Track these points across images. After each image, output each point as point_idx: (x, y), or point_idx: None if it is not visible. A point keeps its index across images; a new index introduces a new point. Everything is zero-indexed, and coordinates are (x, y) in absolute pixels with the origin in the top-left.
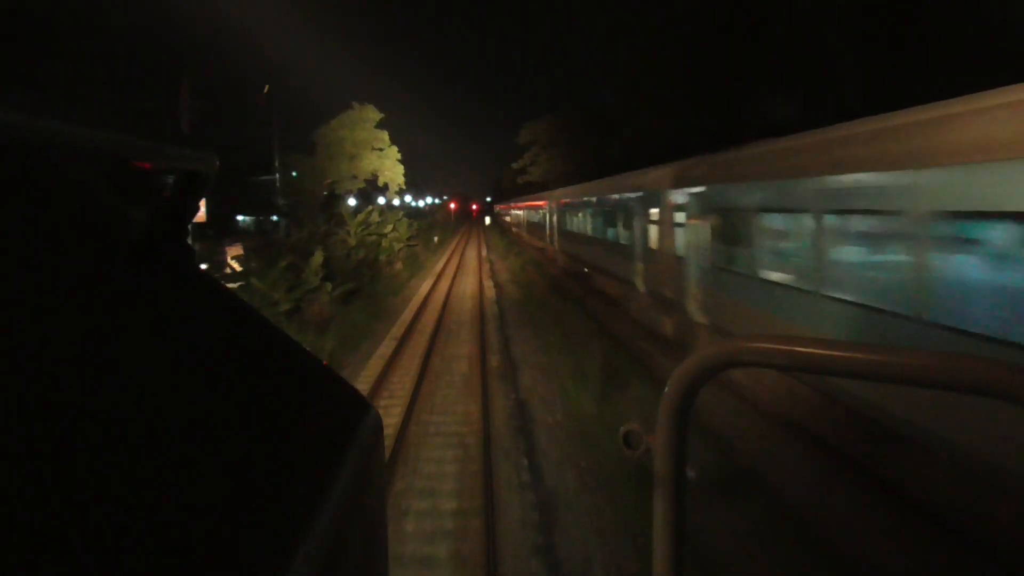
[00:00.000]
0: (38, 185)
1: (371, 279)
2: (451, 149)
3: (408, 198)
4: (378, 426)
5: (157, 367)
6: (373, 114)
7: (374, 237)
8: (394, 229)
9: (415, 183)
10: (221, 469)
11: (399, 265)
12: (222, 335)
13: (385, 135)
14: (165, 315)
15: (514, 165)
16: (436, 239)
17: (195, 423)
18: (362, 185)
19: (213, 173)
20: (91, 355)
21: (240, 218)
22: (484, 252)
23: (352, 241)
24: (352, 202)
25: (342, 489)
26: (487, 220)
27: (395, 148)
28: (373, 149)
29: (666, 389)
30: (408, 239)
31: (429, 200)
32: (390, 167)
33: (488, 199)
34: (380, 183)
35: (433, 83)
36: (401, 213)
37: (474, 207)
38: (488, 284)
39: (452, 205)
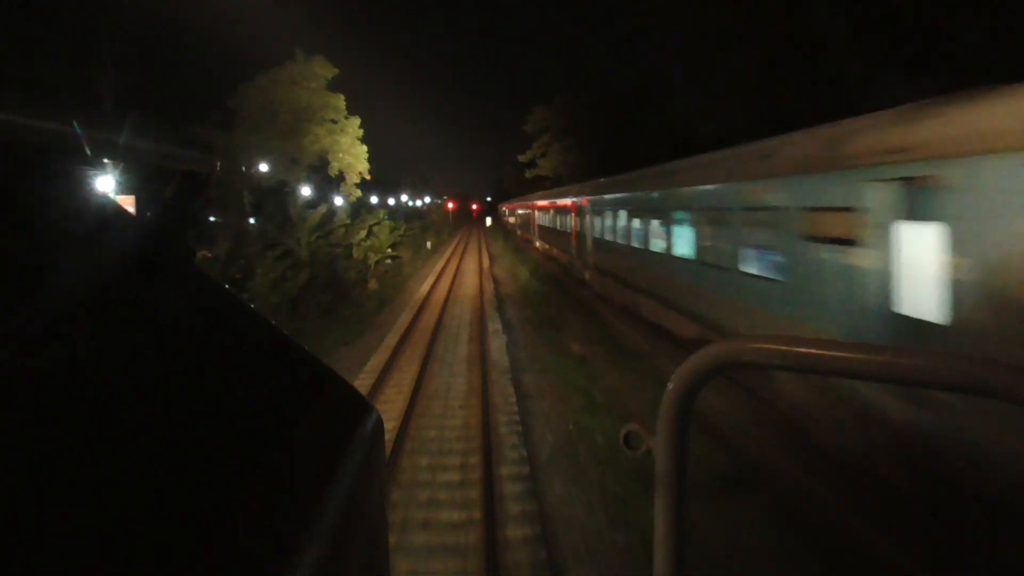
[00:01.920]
0: (41, 186)
1: (327, 310)
2: (452, 149)
3: (404, 197)
4: (379, 427)
5: (158, 367)
6: (323, 69)
7: (340, 248)
8: (370, 235)
9: (412, 183)
10: (223, 469)
11: (373, 284)
12: (224, 335)
13: (340, 101)
14: (166, 315)
15: (521, 158)
16: (429, 244)
17: (197, 423)
18: (304, 172)
19: (213, 175)
20: (92, 355)
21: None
22: (486, 263)
23: (304, 253)
24: (339, 201)
25: (343, 489)
26: (488, 221)
27: (356, 121)
28: (323, 121)
29: (667, 390)
30: (389, 247)
31: (428, 200)
32: (347, 147)
33: (488, 199)
34: (332, 171)
35: (432, 82)
36: (383, 214)
37: (474, 207)
38: (494, 331)
39: (450, 205)
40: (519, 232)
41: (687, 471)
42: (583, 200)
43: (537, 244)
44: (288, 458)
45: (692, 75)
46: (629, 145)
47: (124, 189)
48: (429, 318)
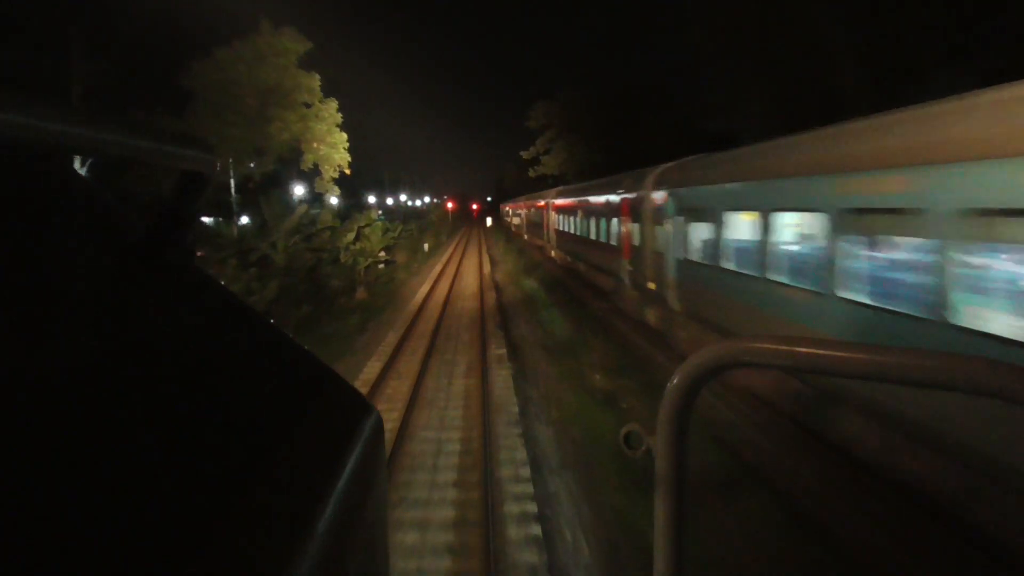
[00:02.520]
0: (42, 186)
1: (306, 325)
2: (452, 148)
3: (403, 197)
4: (379, 428)
5: (158, 367)
6: (293, 44)
7: (325, 253)
8: (359, 237)
9: (411, 182)
10: (223, 470)
11: (362, 293)
12: (224, 336)
13: (314, 81)
14: (166, 316)
15: (523, 154)
16: (427, 247)
17: (197, 424)
18: (271, 166)
19: (214, 174)
20: (92, 355)
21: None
22: (487, 269)
23: (279, 259)
24: (334, 201)
25: (343, 490)
26: (488, 221)
27: (333, 104)
28: (294, 105)
29: (666, 390)
30: (382, 250)
31: (427, 200)
32: (323, 135)
33: (488, 199)
34: (305, 163)
35: (431, 81)
36: (374, 214)
37: (474, 207)
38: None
39: (449, 205)
40: (526, 236)
41: (687, 471)
42: (654, 195)
43: (552, 254)
44: (288, 458)
45: (714, 67)
46: (638, 141)
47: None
48: (421, 337)
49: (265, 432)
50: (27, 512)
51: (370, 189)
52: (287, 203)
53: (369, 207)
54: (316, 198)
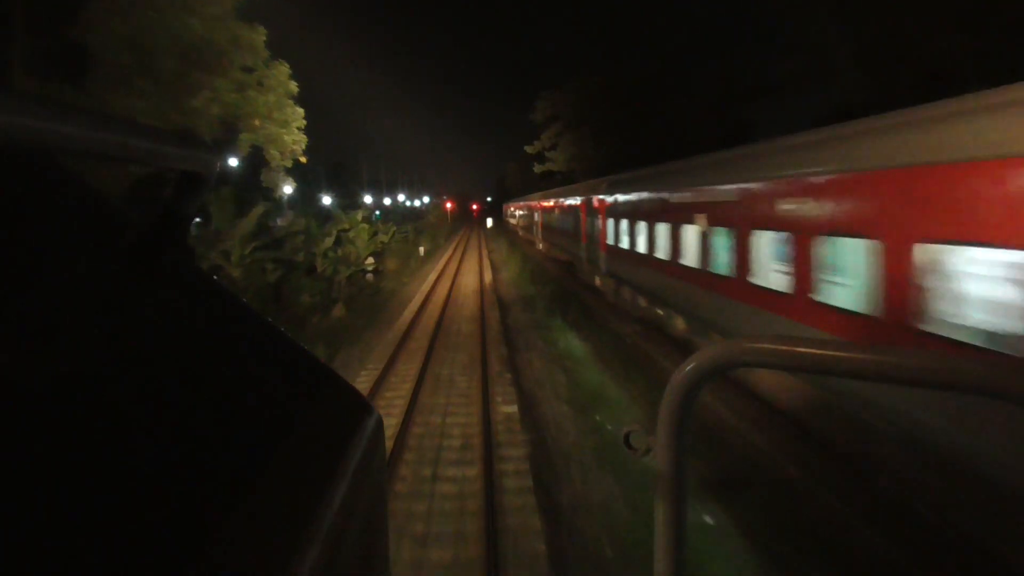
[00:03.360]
0: (41, 187)
1: None
2: (452, 149)
3: (401, 197)
4: (379, 427)
5: (158, 367)
6: None
7: (299, 261)
8: (339, 242)
9: (410, 183)
10: (222, 469)
11: (340, 310)
12: (223, 336)
13: (258, 35)
14: (166, 316)
15: (528, 148)
16: (422, 251)
17: (196, 423)
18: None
19: (213, 174)
20: (91, 355)
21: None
22: (488, 278)
23: (234, 271)
24: (327, 200)
25: (343, 490)
26: (488, 222)
27: (284, 68)
28: (231, 69)
29: (667, 390)
30: (369, 257)
31: (427, 200)
32: (269, 109)
33: (488, 199)
34: (242, 145)
35: (431, 81)
36: (360, 215)
37: (474, 207)
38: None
39: (448, 205)
40: (541, 246)
41: (687, 471)
42: None
43: (597, 282)
44: (288, 458)
45: (794, 20)
46: (654, 133)
47: None
48: (402, 383)
49: (265, 432)
50: (28, 513)
51: (367, 189)
52: (277, 199)
53: (365, 207)
54: (309, 198)
